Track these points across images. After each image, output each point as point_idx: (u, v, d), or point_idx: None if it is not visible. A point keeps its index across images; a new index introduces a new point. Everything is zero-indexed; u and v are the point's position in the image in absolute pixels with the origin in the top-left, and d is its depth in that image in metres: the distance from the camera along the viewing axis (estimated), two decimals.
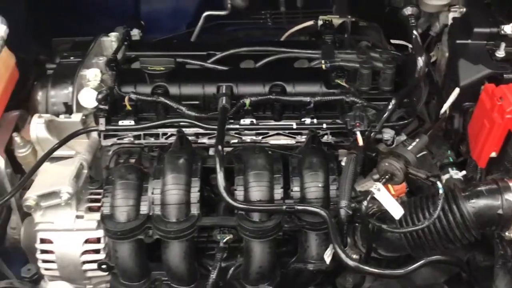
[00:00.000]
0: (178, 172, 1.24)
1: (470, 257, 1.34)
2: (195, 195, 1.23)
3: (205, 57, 1.58)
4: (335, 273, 1.31)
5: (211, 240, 1.31)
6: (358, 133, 1.22)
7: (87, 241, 1.32)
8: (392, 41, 1.65)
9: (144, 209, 1.24)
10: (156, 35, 1.94)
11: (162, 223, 1.22)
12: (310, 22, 1.79)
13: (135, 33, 1.75)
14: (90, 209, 1.35)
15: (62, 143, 1.33)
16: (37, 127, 1.37)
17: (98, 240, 1.33)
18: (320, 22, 1.74)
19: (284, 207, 1.17)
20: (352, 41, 1.64)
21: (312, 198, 1.23)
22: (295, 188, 1.24)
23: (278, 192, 1.23)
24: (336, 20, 1.73)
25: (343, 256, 1.08)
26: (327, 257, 1.20)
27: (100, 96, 1.38)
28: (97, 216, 1.32)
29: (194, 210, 1.23)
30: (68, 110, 1.44)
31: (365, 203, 1.12)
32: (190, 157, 1.28)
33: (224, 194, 1.16)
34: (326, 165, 1.26)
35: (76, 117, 1.41)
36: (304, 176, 1.24)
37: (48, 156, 1.31)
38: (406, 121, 1.36)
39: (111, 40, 1.64)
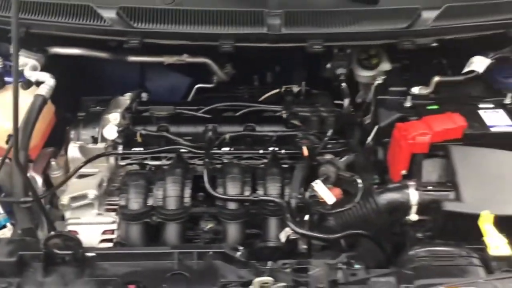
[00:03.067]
0: (175, 175, 1.73)
1: None
2: (187, 191, 1.72)
3: (196, 110, 2.13)
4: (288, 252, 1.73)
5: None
6: (304, 147, 1.75)
7: (104, 232, 1.76)
8: (336, 101, 2.21)
9: (150, 201, 1.71)
10: None
11: (163, 210, 1.68)
12: (277, 90, 2.36)
13: (144, 96, 2.31)
14: (107, 210, 1.80)
15: (88, 161, 1.82)
16: (72, 149, 1.87)
17: (112, 232, 1.77)
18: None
19: (251, 197, 1.65)
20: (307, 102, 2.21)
21: (272, 194, 1.71)
22: (260, 189, 1.73)
23: (247, 189, 1.72)
24: (295, 88, 2.31)
25: (292, 225, 1.55)
26: (282, 237, 1.66)
27: (120, 129, 1.90)
28: (113, 215, 1.78)
29: (187, 202, 1.70)
30: (95, 141, 1.94)
31: (307, 193, 1.62)
32: (185, 169, 1.78)
33: (210, 189, 1.65)
34: (282, 174, 1.76)
35: (101, 145, 1.92)
36: (267, 180, 1.73)
37: (80, 168, 1.79)
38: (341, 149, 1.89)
39: (125, 99, 2.19)
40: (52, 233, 1.46)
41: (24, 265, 1.44)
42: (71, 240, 1.42)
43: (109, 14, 1.86)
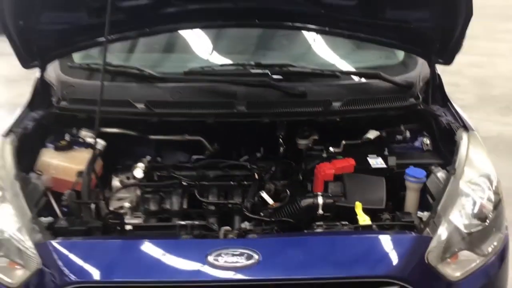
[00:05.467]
0: (177, 191, 2.87)
1: None
2: (185, 200, 2.84)
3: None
4: None
5: None
6: (256, 173, 2.91)
7: None
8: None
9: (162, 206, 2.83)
10: None
11: (170, 210, 2.79)
12: (246, 156, 3.52)
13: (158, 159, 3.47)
14: (135, 217, 2.89)
15: (126, 186, 2.94)
16: (115, 181, 2.99)
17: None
18: None
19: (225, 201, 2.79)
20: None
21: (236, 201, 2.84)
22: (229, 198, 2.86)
23: (221, 199, 2.84)
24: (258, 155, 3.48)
25: (248, 213, 2.65)
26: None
27: (144, 170, 3.05)
28: (138, 219, 2.86)
29: (184, 206, 2.82)
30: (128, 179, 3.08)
31: (257, 199, 2.74)
32: (183, 189, 2.92)
33: (199, 197, 2.77)
34: (243, 192, 2.89)
35: (132, 180, 3.04)
36: (234, 194, 2.87)
37: (121, 189, 2.90)
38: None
39: (147, 159, 3.34)
40: (107, 211, 2.55)
41: (90, 232, 2.50)
42: (118, 215, 2.51)
43: (140, 105, 3.10)
